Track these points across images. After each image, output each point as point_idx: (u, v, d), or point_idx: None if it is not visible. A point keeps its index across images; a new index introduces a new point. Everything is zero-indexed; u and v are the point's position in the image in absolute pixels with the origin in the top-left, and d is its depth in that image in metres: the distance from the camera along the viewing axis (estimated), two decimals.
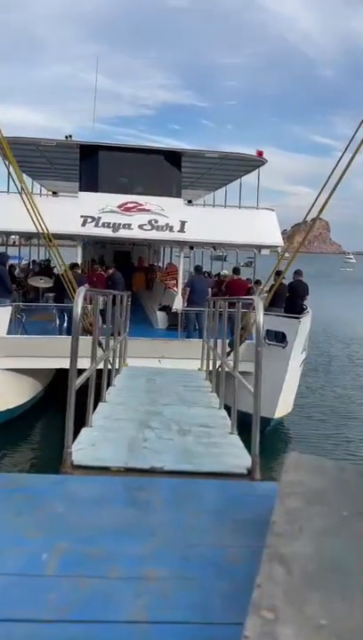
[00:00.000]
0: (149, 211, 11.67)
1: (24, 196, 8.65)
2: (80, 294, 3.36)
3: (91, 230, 11.54)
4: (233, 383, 4.48)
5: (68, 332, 8.81)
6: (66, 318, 10.15)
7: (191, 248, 17.28)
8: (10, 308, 9.63)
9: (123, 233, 11.65)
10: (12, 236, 15.90)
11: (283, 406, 9.43)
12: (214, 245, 15.70)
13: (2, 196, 11.80)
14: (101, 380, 5.11)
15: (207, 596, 1.27)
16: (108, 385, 5.66)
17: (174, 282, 13.14)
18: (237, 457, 3.52)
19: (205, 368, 7.68)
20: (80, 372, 4.20)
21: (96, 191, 12.14)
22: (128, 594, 1.27)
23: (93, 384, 4.19)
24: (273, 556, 1.13)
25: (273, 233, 12.05)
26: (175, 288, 12.73)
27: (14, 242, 18.28)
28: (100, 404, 4.90)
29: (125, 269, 14.88)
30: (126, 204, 11.71)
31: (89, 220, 11.50)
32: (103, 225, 11.52)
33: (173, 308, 11.72)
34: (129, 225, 11.57)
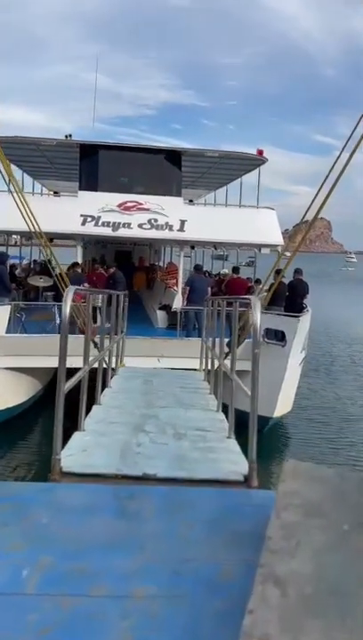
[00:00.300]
0: (148, 210, 11.62)
1: (15, 195, 8.57)
2: (69, 294, 3.26)
3: (90, 229, 11.49)
4: (232, 384, 4.39)
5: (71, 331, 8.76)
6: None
7: (192, 247, 17.21)
8: (9, 307, 9.59)
9: (122, 232, 11.59)
10: (14, 236, 15.85)
11: (282, 405, 9.38)
12: (215, 245, 15.63)
13: (2, 195, 11.75)
14: (96, 381, 4.99)
15: (199, 617, 1.19)
16: (104, 386, 5.55)
17: (175, 281, 13.08)
18: (234, 463, 3.38)
19: (203, 368, 7.61)
20: (75, 371, 4.12)
21: (96, 190, 12.09)
22: (114, 614, 1.19)
23: (86, 386, 4.07)
24: (267, 577, 1.05)
25: (273, 232, 11.98)
26: (175, 287, 12.68)
27: (16, 242, 18.24)
28: (94, 406, 4.78)
29: (126, 269, 14.83)
30: (126, 203, 11.65)
31: (89, 219, 11.44)
32: (103, 224, 11.46)
33: (173, 307, 11.68)
34: (129, 224, 11.52)
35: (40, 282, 12.43)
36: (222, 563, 1.40)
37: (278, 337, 9.30)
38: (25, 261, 19.18)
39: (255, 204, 13.22)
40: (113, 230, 11.52)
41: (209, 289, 11.26)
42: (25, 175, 16.48)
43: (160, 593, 1.26)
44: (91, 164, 12.61)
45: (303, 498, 1.41)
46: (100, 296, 6.77)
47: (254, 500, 1.81)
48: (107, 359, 5.89)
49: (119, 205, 11.61)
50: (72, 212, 11.53)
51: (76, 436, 3.78)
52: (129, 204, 11.68)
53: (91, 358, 4.38)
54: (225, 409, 4.77)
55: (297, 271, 10.95)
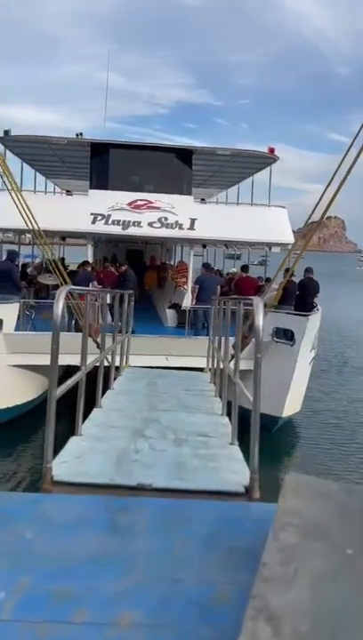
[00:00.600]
0: (158, 208, 11.56)
1: (13, 193, 8.54)
2: (62, 293, 3.13)
3: (100, 228, 11.48)
4: (243, 383, 4.25)
5: (77, 329, 8.74)
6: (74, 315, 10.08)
7: (204, 246, 17.11)
8: (17, 304, 9.60)
9: (132, 230, 11.55)
10: (28, 235, 15.92)
11: (291, 405, 9.28)
12: (226, 243, 15.51)
13: (15, 194, 11.75)
14: (97, 383, 4.85)
15: None
16: (106, 388, 5.41)
17: (185, 280, 13.01)
18: (236, 472, 3.20)
19: (210, 367, 7.52)
20: (77, 369, 3.99)
21: (106, 189, 12.05)
22: None
23: (83, 389, 3.92)
24: (260, 610, 0.95)
25: (284, 230, 11.85)
26: (185, 286, 12.61)
27: (29, 241, 18.34)
28: (94, 409, 4.64)
29: (137, 268, 14.80)
30: (136, 201, 11.60)
31: (99, 217, 11.42)
32: (113, 222, 11.44)
33: (183, 305, 11.62)
34: (139, 222, 11.47)
35: (49, 280, 12.44)
36: (216, 585, 1.30)
37: (287, 336, 9.21)
38: (37, 260, 19.26)
39: (267, 202, 13.10)
40: (123, 229, 11.48)
41: (218, 288, 11.18)
42: (38, 174, 16.53)
43: (146, 620, 1.16)
44: (101, 163, 12.59)
45: (304, 516, 1.30)
46: (107, 295, 6.69)
47: (253, 514, 1.71)
48: (109, 359, 5.76)
49: (129, 204, 11.57)
50: (82, 211, 11.53)
51: (72, 441, 3.65)
52: (139, 203, 11.63)
53: (92, 359, 4.28)
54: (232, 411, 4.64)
55: (308, 270, 10.82)
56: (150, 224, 11.48)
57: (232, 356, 5.27)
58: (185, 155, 12.67)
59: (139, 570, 1.35)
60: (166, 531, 1.55)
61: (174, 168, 12.54)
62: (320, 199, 6.97)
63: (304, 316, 9.08)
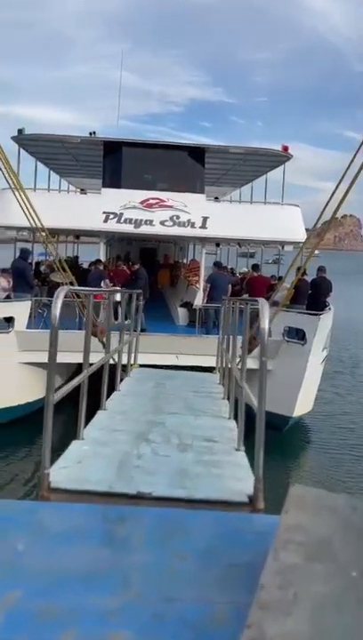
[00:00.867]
0: (171, 207, 11.53)
1: (17, 192, 8.55)
2: (60, 294, 3.03)
3: (113, 226, 11.48)
4: (250, 384, 4.15)
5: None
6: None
7: (217, 245, 17.01)
8: (29, 302, 9.66)
9: (144, 229, 11.53)
10: (43, 233, 16.00)
11: (302, 405, 9.20)
12: (239, 242, 15.41)
13: (28, 193, 11.81)
14: (102, 385, 4.74)
15: None
16: (112, 390, 5.31)
17: (196, 278, 12.96)
18: (240, 480, 3.07)
19: (220, 367, 7.45)
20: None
21: (119, 187, 12.04)
22: None
23: (86, 390, 3.82)
24: None
25: (297, 229, 11.73)
26: (197, 285, 12.56)
27: (44, 240, 18.42)
28: (98, 412, 4.55)
29: (150, 266, 14.77)
30: (148, 200, 11.57)
31: (111, 216, 11.43)
32: (125, 221, 11.43)
33: (194, 304, 11.58)
34: (151, 221, 11.45)
35: (62, 278, 12.47)
36: (213, 604, 1.23)
37: (299, 335, 9.11)
38: (51, 258, 19.33)
39: (281, 201, 12.97)
40: (135, 227, 11.47)
41: (229, 286, 11.11)
42: (52, 173, 16.59)
43: None
44: (114, 161, 12.59)
45: (308, 534, 1.23)
46: (117, 294, 6.64)
47: (256, 527, 1.63)
48: (115, 359, 5.66)
49: (142, 202, 11.54)
50: (95, 209, 11.55)
51: (73, 445, 3.56)
52: (151, 201, 11.60)
53: (96, 360, 4.17)
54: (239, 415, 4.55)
55: (320, 269, 10.71)
56: (162, 222, 11.45)
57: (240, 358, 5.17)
58: (198, 153, 12.60)
59: (132, 586, 1.29)
60: (163, 543, 1.49)
61: (187, 166, 12.49)
62: (331, 197, 6.88)
63: (316, 315, 8.99)
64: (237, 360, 4.86)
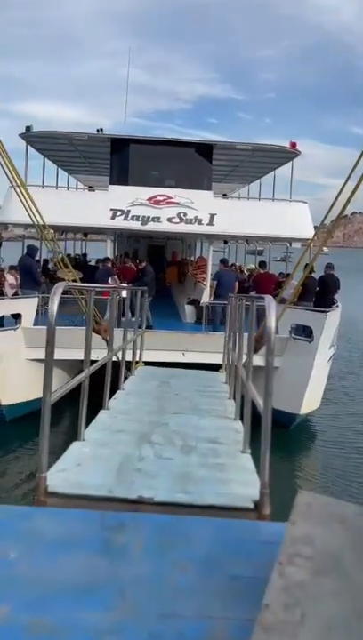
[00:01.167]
0: (178, 204, 11.52)
1: (19, 189, 8.57)
2: (58, 289, 2.95)
3: (120, 223, 11.51)
4: (257, 382, 4.09)
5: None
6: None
7: (225, 242, 16.96)
8: (36, 299, 9.71)
9: (152, 226, 11.54)
10: (51, 230, 16.08)
11: (309, 402, 9.14)
12: (247, 239, 15.36)
13: (36, 190, 11.87)
14: (104, 384, 4.64)
15: None
16: (115, 389, 5.21)
17: (204, 275, 12.96)
18: (245, 484, 2.93)
19: (226, 363, 7.42)
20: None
21: (126, 184, 12.06)
22: None
23: (87, 390, 3.71)
24: None
25: (305, 226, 11.66)
26: (204, 282, 12.56)
27: (52, 237, 18.51)
28: (100, 412, 4.45)
29: (158, 263, 14.76)
30: (156, 197, 11.57)
31: (118, 213, 11.45)
32: (132, 218, 11.45)
33: (201, 301, 11.58)
34: (158, 218, 11.46)
35: (70, 275, 12.53)
36: (214, 620, 1.16)
37: (306, 333, 9.07)
38: (59, 255, 19.40)
39: (289, 197, 12.92)
40: (142, 224, 11.48)
41: (236, 283, 11.09)
42: (60, 170, 16.65)
43: None
44: (121, 158, 12.60)
45: (317, 547, 1.15)
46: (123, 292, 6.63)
47: (261, 535, 1.55)
48: (119, 358, 5.55)
49: (149, 199, 11.55)
50: (102, 207, 11.57)
51: (73, 446, 3.43)
52: (159, 198, 11.60)
53: (97, 361, 4.05)
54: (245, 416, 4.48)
55: (328, 266, 10.63)
56: (169, 219, 11.45)
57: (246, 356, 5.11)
58: (205, 149, 12.57)
59: (128, 600, 1.23)
60: (163, 553, 1.42)
61: (195, 163, 12.46)
62: (339, 195, 6.83)
63: (323, 312, 8.94)
64: (244, 358, 4.79)
